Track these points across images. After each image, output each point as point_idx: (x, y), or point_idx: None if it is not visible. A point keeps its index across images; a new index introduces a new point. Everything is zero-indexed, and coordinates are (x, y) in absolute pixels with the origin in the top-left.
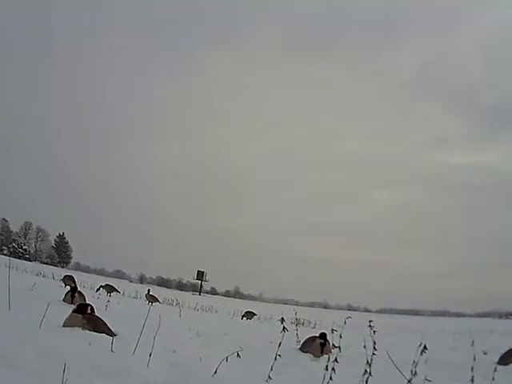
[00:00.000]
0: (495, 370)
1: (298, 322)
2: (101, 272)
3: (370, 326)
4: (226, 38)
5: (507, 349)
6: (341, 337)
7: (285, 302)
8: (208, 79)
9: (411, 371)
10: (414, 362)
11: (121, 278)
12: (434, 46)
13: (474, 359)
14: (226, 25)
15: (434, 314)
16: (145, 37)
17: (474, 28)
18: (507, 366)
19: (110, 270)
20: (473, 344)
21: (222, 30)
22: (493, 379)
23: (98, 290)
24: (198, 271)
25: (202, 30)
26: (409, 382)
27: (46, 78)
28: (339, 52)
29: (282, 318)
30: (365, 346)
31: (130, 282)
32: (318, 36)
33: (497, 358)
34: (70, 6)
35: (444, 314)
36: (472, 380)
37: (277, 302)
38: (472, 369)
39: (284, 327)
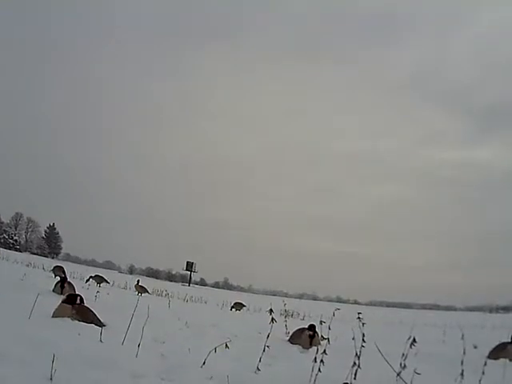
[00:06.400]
0: (485, 364)
1: (287, 314)
2: (91, 263)
3: (358, 318)
4: (225, 38)
5: (498, 343)
6: (329, 328)
7: (274, 294)
8: (208, 78)
9: (400, 364)
10: (403, 354)
11: (110, 269)
12: (429, 46)
13: (464, 353)
14: (225, 24)
15: (424, 307)
16: (145, 36)
17: (469, 29)
18: (497, 361)
19: (100, 261)
20: (463, 337)
21: (222, 30)
22: (483, 373)
23: (87, 280)
24: (188, 262)
25: (203, 30)
26: (398, 374)
27: (43, 73)
28: (337, 52)
29: (271, 309)
30: (353, 338)
31: (120, 272)
32: (316, 36)
33: (487, 352)
34: (71, 4)
35: (434, 307)
36: (462, 374)
37: (266, 293)
38: (462, 362)
39: (272, 318)
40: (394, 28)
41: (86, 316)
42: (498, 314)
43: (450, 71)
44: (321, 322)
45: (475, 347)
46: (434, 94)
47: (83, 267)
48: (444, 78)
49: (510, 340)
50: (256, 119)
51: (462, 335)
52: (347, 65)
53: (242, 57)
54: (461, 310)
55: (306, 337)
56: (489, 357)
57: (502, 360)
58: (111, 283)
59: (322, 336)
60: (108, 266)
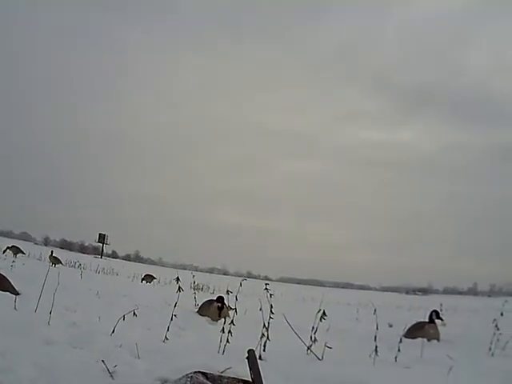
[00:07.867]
0: (400, 341)
1: (196, 287)
2: (8, 234)
3: (266, 289)
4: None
5: (414, 322)
6: (236, 299)
7: (184, 268)
8: (132, 50)
9: (311, 337)
10: (313, 328)
11: (26, 240)
12: (357, 25)
13: (377, 328)
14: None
15: (337, 285)
16: None
17: (401, 13)
18: (414, 340)
19: (17, 232)
20: (375, 312)
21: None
22: (398, 351)
23: (4, 251)
24: (100, 234)
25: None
26: (308, 348)
27: None
28: (260, 27)
29: (178, 278)
30: (261, 309)
31: (36, 244)
32: (239, 10)
33: (403, 332)
34: None
35: (347, 286)
36: (376, 350)
37: (176, 266)
38: (375, 339)
39: (179, 287)
40: (323, 4)
41: (2, 284)
42: (416, 296)
43: (376, 52)
44: (227, 292)
45: (390, 326)
46: (358, 73)
47: (1, 238)
48: (369, 57)
49: (427, 320)
50: (173, 93)
51: (375, 310)
52: (271, 40)
53: (167, 29)
54: (375, 289)
55: (215, 308)
56: (405, 336)
57: (419, 339)
58: (27, 254)
59: (229, 306)
60: (24, 237)
